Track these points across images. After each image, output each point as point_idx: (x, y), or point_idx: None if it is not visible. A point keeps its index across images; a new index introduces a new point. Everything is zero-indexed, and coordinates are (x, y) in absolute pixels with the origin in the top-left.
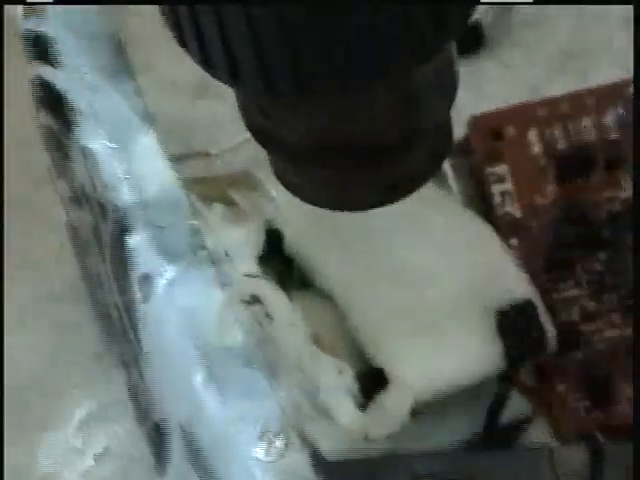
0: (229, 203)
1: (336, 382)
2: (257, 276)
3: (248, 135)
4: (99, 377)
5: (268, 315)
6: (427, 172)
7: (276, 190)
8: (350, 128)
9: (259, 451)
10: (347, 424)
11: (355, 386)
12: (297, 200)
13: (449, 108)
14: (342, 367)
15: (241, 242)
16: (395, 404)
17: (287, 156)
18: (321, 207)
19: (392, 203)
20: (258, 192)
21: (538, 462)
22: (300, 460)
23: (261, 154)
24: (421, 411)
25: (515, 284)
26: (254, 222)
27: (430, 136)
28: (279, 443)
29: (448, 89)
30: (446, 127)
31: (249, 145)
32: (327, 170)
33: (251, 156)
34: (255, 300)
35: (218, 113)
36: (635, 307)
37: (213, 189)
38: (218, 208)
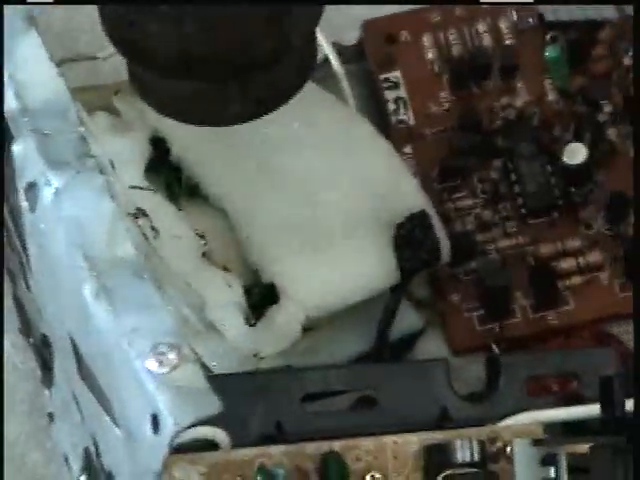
0: (113, 112)
1: (224, 296)
2: (143, 188)
3: None
4: None
5: (154, 228)
6: (294, 86)
7: None
8: (217, 40)
9: (152, 363)
10: (236, 340)
11: (244, 301)
12: None
13: (317, 20)
14: (231, 281)
15: (126, 152)
16: (285, 320)
17: (154, 68)
18: (187, 123)
19: (260, 117)
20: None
21: (433, 374)
22: (193, 371)
23: None
24: (312, 327)
25: (408, 194)
26: (139, 132)
27: (297, 50)
28: (172, 355)
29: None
30: (312, 40)
31: None
32: (194, 83)
33: None
34: (141, 213)
35: None
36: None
37: (97, 97)
38: (102, 117)
